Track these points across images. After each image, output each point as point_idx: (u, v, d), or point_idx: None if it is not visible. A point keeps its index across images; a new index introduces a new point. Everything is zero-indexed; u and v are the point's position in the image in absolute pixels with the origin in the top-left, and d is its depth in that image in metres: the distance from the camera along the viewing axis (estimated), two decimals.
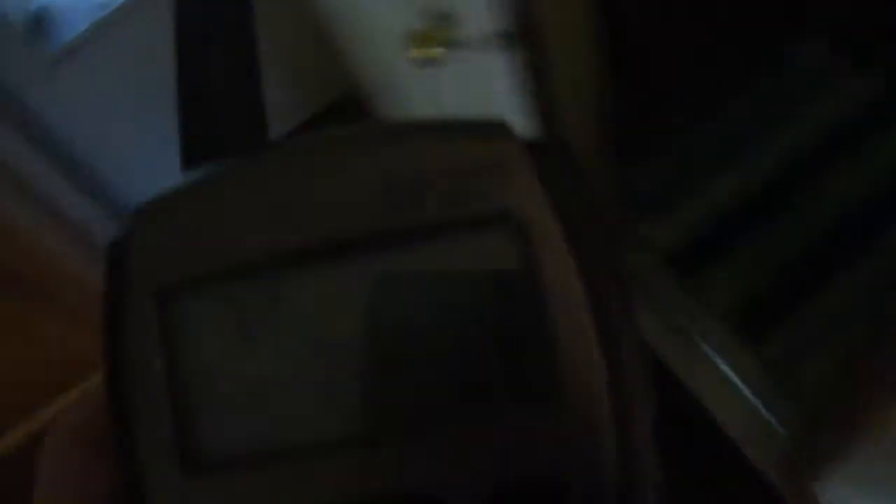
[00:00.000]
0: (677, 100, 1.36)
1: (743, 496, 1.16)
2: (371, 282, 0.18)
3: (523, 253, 0.18)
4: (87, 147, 1.44)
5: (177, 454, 0.18)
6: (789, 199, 1.33)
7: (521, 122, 0.84)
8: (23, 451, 1.21)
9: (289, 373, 0.18)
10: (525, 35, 0.74)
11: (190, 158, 0.20)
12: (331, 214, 0.18)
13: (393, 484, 0.18)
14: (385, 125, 0.20)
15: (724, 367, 1.19)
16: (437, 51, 0.82)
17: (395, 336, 0.18)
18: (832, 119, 1.38)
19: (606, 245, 0.19)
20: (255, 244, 0.18)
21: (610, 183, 1.09)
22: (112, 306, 0.18)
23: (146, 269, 0.18)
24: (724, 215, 1.34)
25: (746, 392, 1.18)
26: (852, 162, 1.34)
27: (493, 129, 0.19)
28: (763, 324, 1.24)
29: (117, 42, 1.38)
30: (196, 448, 0.18)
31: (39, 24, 1.34)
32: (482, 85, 0.88)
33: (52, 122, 1.37)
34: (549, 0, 0.74)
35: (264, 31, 0.21)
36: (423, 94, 1.10)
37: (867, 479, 0.84)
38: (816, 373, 1.18)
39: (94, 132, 1.44)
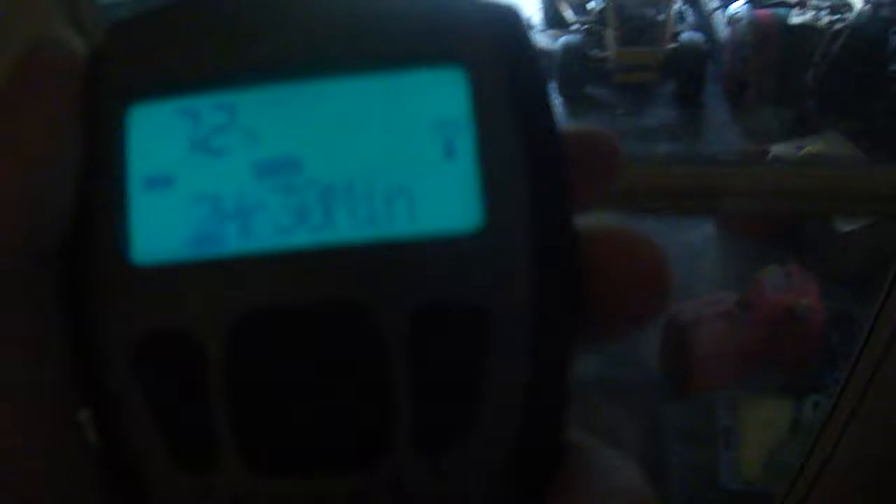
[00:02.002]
0: None
1: None
2: (324, 102, 0.19)
3: (468, 99, 0.19)
4: None
5: (117, 250, 0.19)
6: None
7: None
8: None
9: (238, 187, 0.19)
10: None
11: None
12: (294, 35, 0.19)
13: (321, 290, 0.18)
14: None
15: None
16: None
17: (341, 151, 0.19)
18: None
19: (552, 121, 0.19)
20: (217, 58, 0.19)
21: None
22: (87, 109, 0.19)
23: (115, 77, 0.20)
24: None
25: None
26: None
27: None
28: None
29: None
30: (136, 245, 0.19)
31: None
32: None
33: None
34: None
35: None
36: None
37: None
38: None
39: None
